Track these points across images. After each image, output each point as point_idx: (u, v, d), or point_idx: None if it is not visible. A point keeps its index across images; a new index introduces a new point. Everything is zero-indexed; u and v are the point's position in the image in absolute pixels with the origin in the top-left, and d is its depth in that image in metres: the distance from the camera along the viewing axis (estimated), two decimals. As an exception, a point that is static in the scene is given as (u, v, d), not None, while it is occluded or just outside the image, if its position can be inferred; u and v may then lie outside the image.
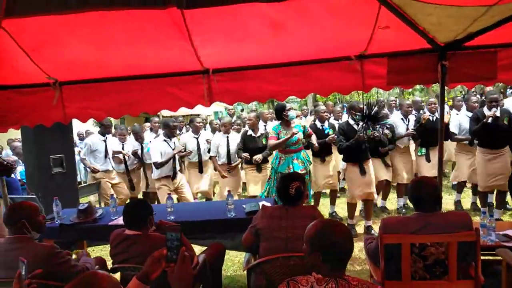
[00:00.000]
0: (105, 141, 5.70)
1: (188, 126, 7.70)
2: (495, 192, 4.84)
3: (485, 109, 4.52)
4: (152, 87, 3.00)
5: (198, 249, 3.70)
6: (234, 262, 4.16)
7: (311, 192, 4.80)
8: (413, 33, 2.43)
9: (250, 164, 5.26)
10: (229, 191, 3.44)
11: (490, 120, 4.33)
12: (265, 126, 6.57)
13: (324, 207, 5.75)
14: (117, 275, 2.52)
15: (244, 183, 5.95)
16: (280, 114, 4.57)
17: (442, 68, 2.81)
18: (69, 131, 5.27)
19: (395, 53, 2.90)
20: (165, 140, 5.11)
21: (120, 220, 2.71)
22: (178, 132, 6.56)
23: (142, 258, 2.09)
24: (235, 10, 2.12)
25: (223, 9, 2.09)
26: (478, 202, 5.17)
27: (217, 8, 2.09)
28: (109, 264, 2.63)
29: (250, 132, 5.30)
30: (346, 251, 1.55)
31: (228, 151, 5.47)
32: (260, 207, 2.72)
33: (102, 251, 4.66)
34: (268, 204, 3.14)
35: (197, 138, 5.84)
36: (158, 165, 4.99)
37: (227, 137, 5.51)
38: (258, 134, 5.27)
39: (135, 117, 3.61)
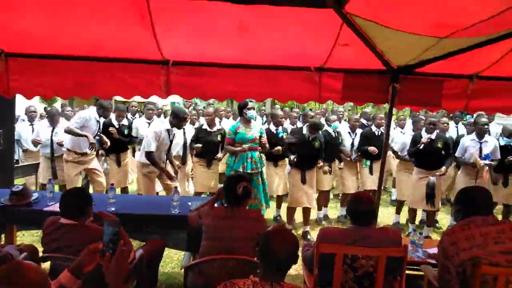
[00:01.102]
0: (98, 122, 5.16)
1: (141, 112, 7.46)
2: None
3: (423, 132, 4.87)
4: (107, 71, 2.88)
5: (137, 243, 3.62)
6: (173, 259, 4.09)
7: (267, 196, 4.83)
8: (370, 53, 2.54)
9: (201, 158, 5.26)
10: (175, 188, 3.38)
11: (423, 144, 4.67)
12: (220, 122, 6.54)
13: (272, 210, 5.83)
14: (48, 264, 2.39)
15: (222, 174, 5.82)
16: (241, 111, 4.63)
17: (393, 90, 2.97)
18: (12, 106, 4.91)
19: (351, 70, 3.03)
20: (167, 130, 4.53)
21: (56, 207, 2.56)
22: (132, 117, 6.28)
23: (75, 248, 2.01)
24: (203, 6, 2.09)
25: (191, 2, 2.06)
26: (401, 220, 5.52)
27: (184, 1, 2.05)
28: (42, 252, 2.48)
29: (205, 126, 5.29)
30: (284, 260, 1.58)
31: (185, 143, 5.38)
32: (207, 206, 2.71)
33: (34, 236, 4.39)
34: (215, 204, 3.14)
35: (149, 123, 5.64)
36: (148, 156, 4.39)
37: (184, 128, 5.24)
38: (214, 129, 5.25)
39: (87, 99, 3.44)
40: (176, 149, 5.32)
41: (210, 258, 2.26)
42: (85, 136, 4.74)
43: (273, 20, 2.24)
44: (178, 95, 3.16)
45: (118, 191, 5.17)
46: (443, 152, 4.73)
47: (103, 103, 4.90)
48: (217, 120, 6.48)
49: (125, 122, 5.63)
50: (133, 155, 6.19)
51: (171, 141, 4.60)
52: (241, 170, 4.45)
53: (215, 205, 2.73)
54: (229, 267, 2.24)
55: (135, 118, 6.26)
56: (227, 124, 6.03)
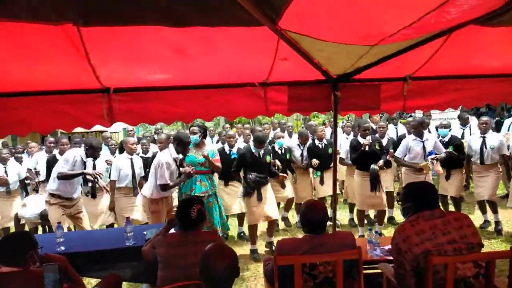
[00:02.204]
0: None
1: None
2: (374, 211, 5.37)
3: (359, 137, 5.13)
4: (42, 105, 2.74)
5: (94, 281, 3.42)
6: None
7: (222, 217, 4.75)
8: (309, 65, 2.63)
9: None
10: (127, 218, 3.24)
11: (364, 147, 4.89)
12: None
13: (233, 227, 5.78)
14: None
15: None
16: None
17: (334, 98, 3.09)
18: None
19: (294, 82, 3.12)
20: (174, 159, 4.45)
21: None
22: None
23: (21, 298, 1.85)
24: (135, 31, 2.07)
25: (122, 29, 2.03)
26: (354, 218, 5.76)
27: (117, 27, 2.02)
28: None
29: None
30: (224, 278, 1.59)
31: (133, 173, 5.08)
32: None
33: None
34: (172, 230, 3.05)
35: (93, 161, 5.04)
36: (164, 188, 4.35)
37: (131, 159, 5.07)
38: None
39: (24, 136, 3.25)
40: (125, 182, 4.97)
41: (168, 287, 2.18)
42: (82, 173, 4.35)
43: (210, 40, 2.26)
44: (123, 122, 3.08)
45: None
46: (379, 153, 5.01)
47: (92, 141, 4.43)
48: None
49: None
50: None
51: (178, 167, 4.51)
52: (189, 193, 4.41)
53: (171, 231, 2.65)
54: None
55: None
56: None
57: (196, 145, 4.57)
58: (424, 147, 5.05)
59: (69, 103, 2.78)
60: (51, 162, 5.14)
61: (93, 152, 4.38)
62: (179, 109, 3.05)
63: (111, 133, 7.70)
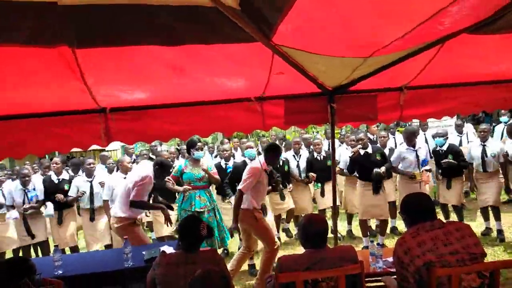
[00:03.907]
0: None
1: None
2: (375, 221, 5.34)
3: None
4: (37, 127, 2.73)
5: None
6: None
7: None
8: (305, 78, 2.64)
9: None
10: (126, 239, 3.19)
11: (354, 155, 4.93)
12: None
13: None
14: None
15: None
16: (189, 150, 4.69)
17: (331, 110, 3.10)
18: None
19: (290, 96, 3.12)
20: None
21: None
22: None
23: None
24: (131, 51, 2.08)
25: (117, 49, 2.04)
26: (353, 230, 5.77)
27: (111, 48, 2.02)
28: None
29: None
30: None
31: None
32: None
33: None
34: (170, 249, 3.00)
35: (90, 182, 5.18)
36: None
37: (125, 177, 4.83)
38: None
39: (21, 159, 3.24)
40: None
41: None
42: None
43: (205, 58, 2.27)
44: (120, 141, 3.08)
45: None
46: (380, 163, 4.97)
47: (163, 161, 4.19)
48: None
49: (65, 176, 5.34)
50: (78, 213, 5.73)
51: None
52: (189, 208, 4.43)
53: (171, 249, 2.61)
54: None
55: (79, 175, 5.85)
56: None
57: (193, 161, 4.61)
58: (417, 155, 5.05)
59: (65, 125, 2.77)
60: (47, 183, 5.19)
61: (162, 171, 4.11)
62: (176, 127, 3.04)
63: (108, 151, 7.66)
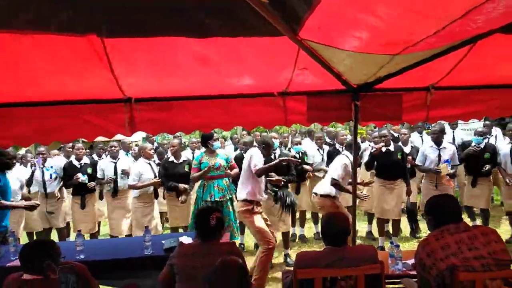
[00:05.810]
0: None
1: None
2: (390, 222, 5.26)
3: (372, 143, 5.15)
4: (68, 114, 2.80)
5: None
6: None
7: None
8: (329, 74, 2.60)
9: (172, 191, 5.11)
10: (146, 227, 3.25)
11: (380, 155, 4.85)
12: (193, 153, 6.47)
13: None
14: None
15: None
16: (206, 142, 4.71)
17: (355, 108, 3.05)
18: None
19: (313, 92, 3.09)
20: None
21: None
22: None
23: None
24: (158, 42, 2.10)
25: (146, 40, 2.06)
26: (373, 230, 5.67)
27: (139, 39, 2.05)
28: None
29: (171, 158, 5.19)
30: None
31: (155, 176, 5.14)
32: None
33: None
34: (189, 239, 3.04)
35: (115, 163, 5.38)
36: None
37: (149, 163, 5.15)
38: (181, 160, 5.17)
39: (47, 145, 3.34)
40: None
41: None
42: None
43: (231, 51, 2.27)
44: (143, 131, 3.12)
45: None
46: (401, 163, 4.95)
47: (268, 140, 4.25)
48: (189, 151, 6.46)
49: (86, 161, 5.49)
50: (100, 197, 5.91)
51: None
52: (209, 199, 4.49)
53: (189, 240, 2.63)
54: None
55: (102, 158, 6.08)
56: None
57: (209, 152, 4.69)
58: (439, 155, 4.94)
59: (92, 113, 2.83)
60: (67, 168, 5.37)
61: (268, 150, 4.21)
62: (199, 119, 3.06)
63: (131, 142, 7.83)
